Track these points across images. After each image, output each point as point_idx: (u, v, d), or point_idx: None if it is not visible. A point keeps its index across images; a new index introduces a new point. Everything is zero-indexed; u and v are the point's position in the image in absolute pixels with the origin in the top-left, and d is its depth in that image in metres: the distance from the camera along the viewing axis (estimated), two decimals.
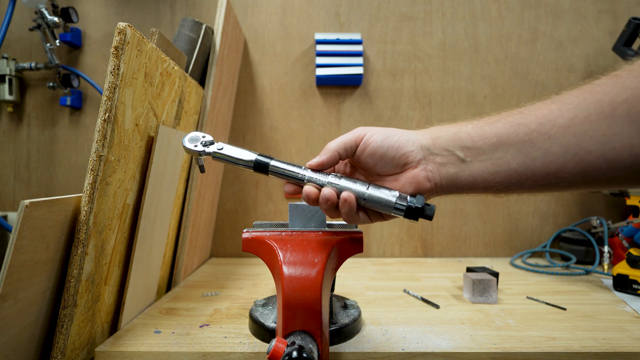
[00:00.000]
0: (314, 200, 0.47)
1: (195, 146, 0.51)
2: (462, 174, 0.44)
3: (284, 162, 0.49)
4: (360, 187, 0.46)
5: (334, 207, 0.46)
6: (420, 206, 0.44)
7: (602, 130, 0.38)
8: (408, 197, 0.45)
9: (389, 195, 0.45)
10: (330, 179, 0.47)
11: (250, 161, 0.49)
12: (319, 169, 0.48)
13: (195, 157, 0.52)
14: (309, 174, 0.48)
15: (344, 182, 0.47)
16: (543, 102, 0.43)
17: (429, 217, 0.45)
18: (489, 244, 1.12)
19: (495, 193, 0.45)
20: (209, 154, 0.50)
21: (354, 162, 0.49)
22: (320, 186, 0.47)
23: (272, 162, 0.49)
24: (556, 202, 1.11)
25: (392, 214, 0.46)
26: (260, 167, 0.49)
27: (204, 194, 0.93)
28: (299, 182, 0.48)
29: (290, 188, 0.49)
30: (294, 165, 0.49)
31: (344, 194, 0.45)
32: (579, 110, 0.39)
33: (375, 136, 0.46)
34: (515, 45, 1.11)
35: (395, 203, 0.45)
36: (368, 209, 0.47)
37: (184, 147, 0.51)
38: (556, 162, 0.40)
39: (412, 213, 0.45)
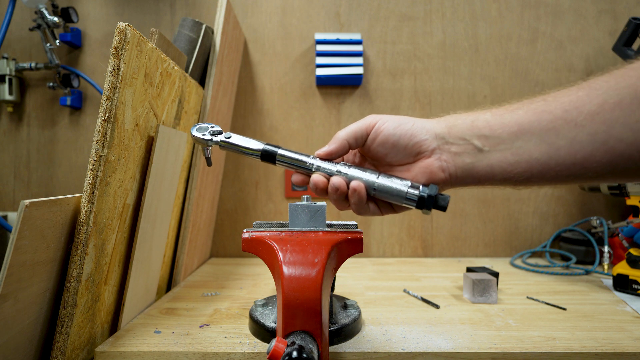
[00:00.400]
0: (322, 190, 0.46)
1: (204, 135, 0.51)
2: (479, 164, 0.42)
3: (292, 151, 0.49)
4: (370, 176, 0.45)
5: (343, 197, 0.45)
6: (433, 195, 0.43)
7: (635, 116, 0.36)
8: (420, 187, 0.43)
9: (400, 185, 0.44)
10: (340, 167, 0.46)
11: (258, 150, 0.49)
12: (327, 158, 0.47)
13: (202, 148, 0.52)
14: (317, 162, 0.47)
15: (353, 171, 0.46)
16: (569, 88, 0.40)
17: (443, 208, 0.43)
18: (489, 244, 1.12)
19: (515, 185, 0.42)
20: (216, 143, 0.50)
21: (364, 152, 0.48)
22: (329, 175, 0.46)
23: (280, 151, 0.49)
24: (556, 202, 1.11)
25: (404, 205, 0.44)
26: (268, 156, 0.49)
27: (204, 194, 0.93)
28: (307, 171, 0.47)
29: (298, 178, 0.48)
30: (302, 154, 0.48)
31: (353, 183, 0.44)
32: (610, 95, 0.37)
33: (387, 124, 0.45)
34: (515, 45, 1.11)
35: (407, 192, 0.43)
36: (378, 200, 0.46)
37: (193, 136, 0.51)
38: (582, 152, 0.38)
39: (425, 203, 0.43)
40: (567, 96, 0.39)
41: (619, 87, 0.37)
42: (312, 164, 0.47)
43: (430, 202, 0.43)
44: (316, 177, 0.46)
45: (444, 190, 0.46)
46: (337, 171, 0.46)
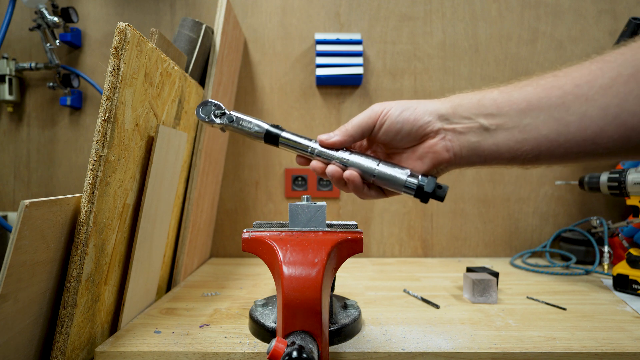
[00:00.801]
0: (321, 174, 0.47)
1: (208, 117, 0.52)
2: (485, 142, 0.41)
3: (295, 135, 0.49)
4: (370, 164, 0.45)
5: (341, 183, 0.46)
6: (431, 186, 0.43)
7: None
8: (419, 176, 0.44)
9: (399, 173, 0.44)
10: (340, 154, 0.46)
11: (261, 132, 0.50)
12: (329, 148, 0.47)
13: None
14: (318, 148, 0.48)
15: (353, 158, 0.46)
16: (582, 63, 0.39)
17: (440, 198, 0.43)
18: (489, 244, 1.12)
19: (523, 164, 0.42)
20: (220, 124, 0.51)
21: (371, 139, 0.48)
22: (328, 161, 0.47)
23: (283, 134, 0.49)
24: (556, 202, 1.11)
25: (402, 192, 0.45)
26: (271, 138, 0.50)
27: (204, 194, 0.93)
28: (309, 155, 0.48)
29: (300, 160, 0.49)
30: (305, 138, 0.49)
31: (346, 173, 0.45)
32: (624, 68, 0.35)
33: (391, 112, 0.45)
34: (515, 45, 1.11)
35: (406, 181, 0.44)
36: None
37: (197, 115, 0.52)
38: (593, 127, 0.36)
39: (423, 193, 0.43)
40: (578, 70, 0.38)
41: (634, 58, 0.35)
42: (314, 149, 0.48)
43: (428, 193, 0.43)
44: (315, 163, 0.47)
45: (450, 170, 0.46)
46: (337, 158, 0.47)
